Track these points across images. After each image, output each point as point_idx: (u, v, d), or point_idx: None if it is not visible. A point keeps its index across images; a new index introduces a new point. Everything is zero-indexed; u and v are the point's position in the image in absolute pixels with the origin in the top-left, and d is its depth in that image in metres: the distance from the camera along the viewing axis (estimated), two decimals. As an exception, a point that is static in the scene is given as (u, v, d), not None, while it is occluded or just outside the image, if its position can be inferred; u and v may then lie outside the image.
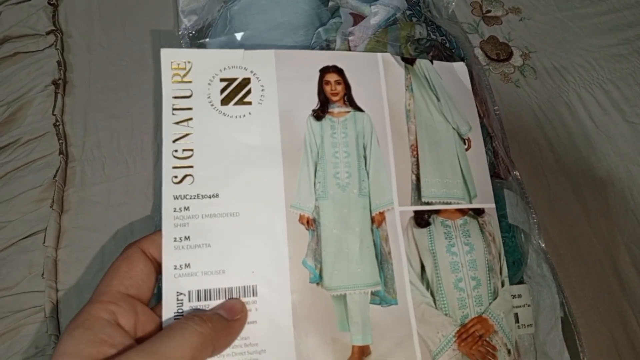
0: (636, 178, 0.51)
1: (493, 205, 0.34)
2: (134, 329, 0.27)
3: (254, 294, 0.29)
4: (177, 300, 0.28)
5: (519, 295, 0.34)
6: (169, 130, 0.31)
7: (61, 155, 0.50)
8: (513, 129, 0.53)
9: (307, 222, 0.31)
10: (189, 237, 0.29)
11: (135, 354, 0.24)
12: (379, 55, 0.35)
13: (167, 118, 0.31)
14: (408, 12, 0.39)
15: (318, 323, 0.29)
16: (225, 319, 0.27)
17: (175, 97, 0.31)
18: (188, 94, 0.31)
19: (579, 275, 0.46)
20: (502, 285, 0.33)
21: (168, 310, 0.28)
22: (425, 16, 0.40)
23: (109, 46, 0.57)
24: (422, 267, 0.31)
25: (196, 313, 0.27)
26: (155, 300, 0.30)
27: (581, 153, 0.52)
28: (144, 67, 0.55)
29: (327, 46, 0.38)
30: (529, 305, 0.34)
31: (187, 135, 0.31)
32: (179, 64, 0.32)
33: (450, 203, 0.33)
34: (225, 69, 0.32)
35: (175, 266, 0.29)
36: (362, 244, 0.31)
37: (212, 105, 0.31)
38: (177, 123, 0.31)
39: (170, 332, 0.25)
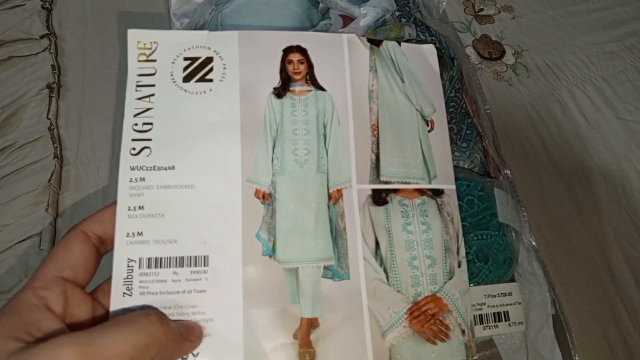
0: (628, 175, 0.51)
1: (453, 187, 0.34)
2: (64, 312, 0.26)
3: (205, 264, 0.30)
4: (127, 266, 0.29)
5: (510, 294, 0.34)
6: (131, 105, 0.32)
7: (56, 159, 0.50)
8: (506, 127, 0.53)
9: (263, 197, 0.32)
10: (143, 206, 0.30)
11: (67, 340, 0.23)
12: (344, 36, 0.35)
13: (130, 94, 0.32)
14: (397, 13, 0.39)
15: (268, 294, 0.30)
16: (181, 333, 0.27)
17: (140, 75, 0.33)
18: (152, 71, 0.33)
19: (571, 272, 0.46)
20: (459, 265, 0.33)
21: (117, 277, 0.29)
22: (414, 17, 0.40)
23: (103, 49, 0.57)
24: (377, 244, 0.32)
25: (154, 311, 0.27)
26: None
27: (573, 150, 0.53)
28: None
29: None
30: (519, 303, 0.34)
31: (148, 109, 0.32)
32: (145, 44, 0.33)
33: (409, 183, 0.33)
34: (189, 48, 0.33)
35: (128, 234, 0.29)
36: (317, 219, 0.32)
37: (174, 82, 0.33)
38: (139, 99, 0.32)
39: (117, 324, 0.25)
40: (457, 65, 0.39)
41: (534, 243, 0.39)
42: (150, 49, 0.33)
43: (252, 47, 0.34)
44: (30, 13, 0.59)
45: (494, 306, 0.34)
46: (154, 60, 0.33)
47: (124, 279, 0.29)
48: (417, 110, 0.35)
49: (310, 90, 0.34)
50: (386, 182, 0.33)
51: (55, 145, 0.51)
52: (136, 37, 0.33)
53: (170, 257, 0.29)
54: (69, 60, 0.56)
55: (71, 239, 0.28)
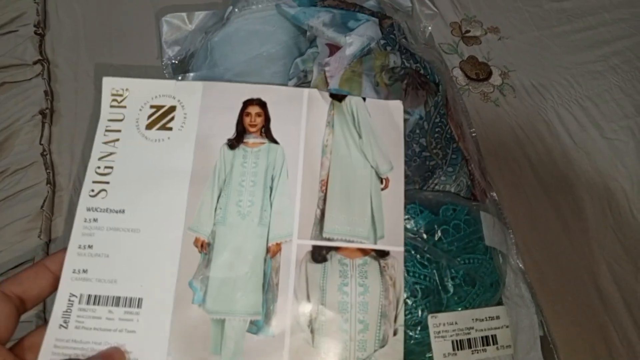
0: (615, 193, 0.52)
1: (401, 249, 0.33)
2: None
3: (139, 305, 0.31)
4: (69, 301, 0.31)
5: (498, 317, 0.35)
6: (97, 149, 0.34)
7: (49, 185, 0.50)
8: (493, 148, 0.54)
9: (202, 245, 0.32)
10: (92, 245, 0.32)
11: None
12: (305, 90, 0.36)
13: (99, 138, 0.34)
14: (382, 42, 0.40)
15: (192, 343, 0.31)
16: None
17: (110, 120, 0.35)
18: (120, 117, 0.35)
19: (560, 291, 0.47)
20: (395, 333, 0.32)
21: (57, 309, 0.31)
22: (399, 44, 0.41)
23: (96, 75, 0.57)
24: (309, 302, 0.32)
25: None
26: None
27: (560, 170, 0.53)
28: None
29: (305, 77, 0.39)
30: (507, 327, 0.35)
31: (111, 154, 0.34)
32: (117, 91, 0.35)
33: (352, 241, 0.33)
34: (156, 97, 0.35)
35: (74, 270, 0.31)
36: (251, 271, 0.32)
37: (138, 128, 0.34)
38: (105, 143, 0.34)
39: None
40: (442, 91, 0.40)
41: (521, 265, 0.39)
42: (122, 95, 0.35)
43: (214, 98, 0.35)
44: (23, 39, 0.59)
45: (481, 330, 0.34)
46: (124, 107, 0.35)
47: (63, 311, 0.31)
48: (371, 167, 0.35)
49: (264, 143, 0.34)
50: (328, 239, 0.33)
51: (48, 170, 0.51)
52: (111, 85, 0.35)
53: (108, 296, 0.31)
54: (62, 86, 0.57)
55: None
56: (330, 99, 0.36)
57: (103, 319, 0.31)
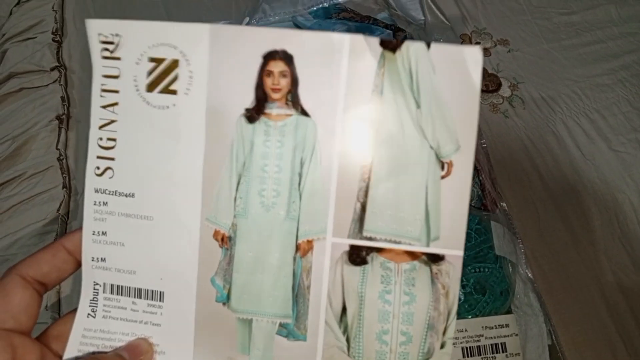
0: (622, 205, 0.52)
1: (460, 253, 0.27)
2: None
3: (161, 299, 0.29)
4: (94, 289, 0.28)
5: (507, 325, 0.35)
6: (96, 114, 0.28)
7: (65, 189, 0.51)
8: (502, 159, 0.54)
9: (222, 240, 0.28)
10: (105, 232, 0.28)
11: None
12: (346, 37, 0.26)
13: (96, 100, 0.28)
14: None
15: (218, 341, 0.28)
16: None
17: (105, 76, 0.28)
18: (116, 73, 0.27)
19: (567, 302, 0.47)
20: (442, 346, 0.27)
21: (84, 298, 0.28)
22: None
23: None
24: (344, 308, 0.28)
25: (97, 356, 0.27)
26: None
27: (569, 181, 0.54)
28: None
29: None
30: (516, 335, 0.35)
31: (112, 122, 0.28)
32: (106, 37, 0.27)
33: (399, 242, 0.27)
34: (154, 45, 0.27)
35: (93, 258, 0.28)
36: (279, 271, 0.28)
37: (137, 90, 0.27)
38: (104, 107, 0.28)
39: None
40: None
41: (530, 275, 0.40)
42: (113, 43, 0.27)
43: (226, 50, 0.27)
44: (41, 45, 0.61)
45: (491, 338, 0.35)
46: (118, 59, 0.27)
47: (90, 300, 0.28)
48: (431, 147, 0.26)
49: (290, 115, 0.27)
50: (369, 239, 0.27)
51: (64, 175, 0.52)
52: (97, 29, 0.27)
53: (130, 287, 0.28)
54: (78, 92, 0.58)
55: (9, 287, 0.27)
56: (380, 49, 0.26)
57: (128, 310, 0.29)
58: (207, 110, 0.27)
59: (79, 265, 0.29)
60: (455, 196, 0.27)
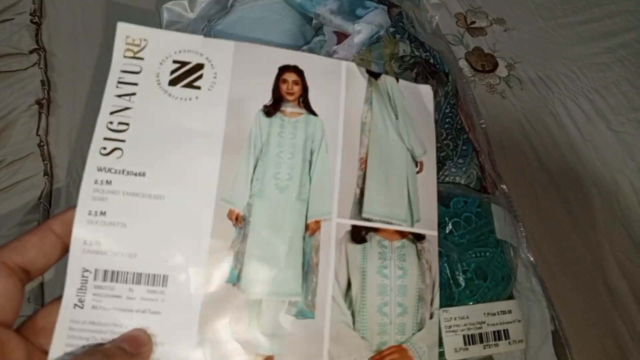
0: (622, 187, 0.51)
1: (435, 233, 0.33)
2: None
3: (164, 284, 0.28)
4: (82, 277, 0.27)
5: (509, 311, 0.34)
6: (108, 102, 0.30)
7: (46, 177, 0.49)
8: (500, 140, 0.53)
9: (237, 219, 0.29)
10: (105, 212, 0.28)
11: None
12: (344, 63, 0.34)
13: (110, 90, 0.30)
14: (391, 30, 0.39)
15: (226, 324, 0.28)
16: (128, 352, 0.26)
17: (123, 71, 0.30)
18: (137, 69, 0.30)
19: (569, 286, 0.46)
20: (431, 317, 0.31)
21: (70, 286, 0.27)
22: (409, 33, 0.40)
23: (93, 64, 0.56)
24: (349, 284, 0.30)
25: (97, 349, 0.25)
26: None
27: (568, 163, 0.53)
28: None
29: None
30: (519, 321, 0.34)
31: (126, 109, 0.30)
32: (133, 40, 0.31)
33: (391, 223, 0.32)
34: (180, 52, 0.31)
35: (85, 241, 0.27)
36: (290, 250, 0.30)
37: (159, 84, 0.30)
38: (119, 96, 0.30)
39: None
40: (452, 81, 0.39)
41: (531, 259, 0.39)
42: (138, 45, 0.31)
43: (247, 60, 0.32)
44: (19, 27, 0.58)
45: (493, 324, 0.33)
46: (141, 59, 0.31)
47: (77, 289, 0.27)
48: (407, 149, 0.34)
49: (302, 114, 0.32)
50: (368, 220, 0.32)
51: (45, 162, 0.50)
52: (125, 32, 0.31)
53: (127, 272, 0.27)
54: (59, 76, 0.56)
55: None
56: (367, 75, 0.34)
57: (123, 298, 0.27)
58: (229, 104, 0.31)
59: (66, 250, 0.27)
60: (427, 187, 0.34)
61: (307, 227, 0.30)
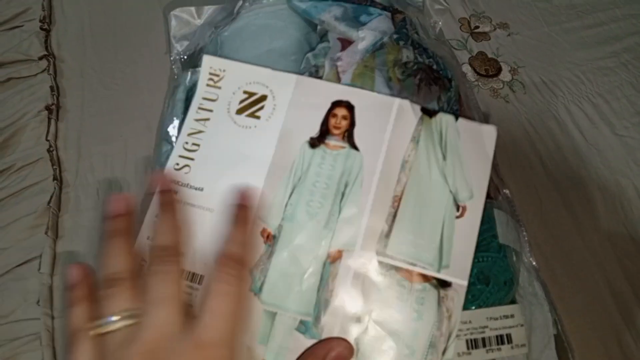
0: (626, 191, 0.51)
1: (464, 283, 0.32)
2: None
3: (199, 282, 0.32)
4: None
5: (512, 316, 0.34)
6: (188, 125, 0.35)
7: (55, 181, 0.50)
8: (503, 144, 0.53)
9: (267, 237, 0.33)
10: None
11: None
12: (397, 100, 0.35)
13: (191, 114, 0.35)
14: (395, 36, 0.40)
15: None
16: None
17: (204, 99, 0.35)
18: (214, 97, 0.35)
19: (572, 289, 0.46)
20: None
21: None
22: (412, 39, 0.41)
23: (102, 70, 0.57)
24: (359, 317, 0.31)
25: None
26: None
27: (571, 167, 0.53)
28: (137, 90, 0.55)
29: (316, 72, 0.38)
30: (522, 325, 0.34)
31: (200, 132, 0.35)
32: (215, 71, 0.36)
33: (415, 265, 0.32)
34: (250, 83, 0.35)
35: (148, 237, 0.33)
36: (309, 272, 0.32)
37: (228, 112, 0.35)
38: (197, 120, 0.35)
39: None
40: (455, 86, 0.40)
41: (534, 263, 0.39)
42: (218, 76, 0.35)
43: (304, 94, 0.35)
44: (28, 34, 0.59)
45: (496, 329, 0.34)
46: (219, 88, 0.35)
47: None
48: (450, 192, 0.33)
49: (344, 147, 0.34)
50: (391, 257, 0.32)
51: (54, 167, 0.51)
52: (209, 63, 0.36)
53: None
54: (68, 82, 0.57)
55: None
56: (420, 113, 0.35)
57: None
58: (280, 134, 0.34)
59: None
60: (466, 234, 0.33)
61: (329, 254, 0.32)
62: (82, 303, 0.28)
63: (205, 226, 0.32)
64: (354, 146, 0.34)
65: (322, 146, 0.34)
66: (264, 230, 0.33)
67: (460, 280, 0.32)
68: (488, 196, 0.39)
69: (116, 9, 0.61)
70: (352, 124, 0.34)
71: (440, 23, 0.50)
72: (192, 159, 0.34)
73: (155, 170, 0.34)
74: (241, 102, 0.35)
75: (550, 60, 0.60)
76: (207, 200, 0.33)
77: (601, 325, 0.45)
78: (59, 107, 0.55)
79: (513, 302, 0.36)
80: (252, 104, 0.35)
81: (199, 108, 0.35)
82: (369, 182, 0.33)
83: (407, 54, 0.39)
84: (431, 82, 0.38)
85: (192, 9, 0.47)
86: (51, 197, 0.49)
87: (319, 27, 0.42)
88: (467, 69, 0.58)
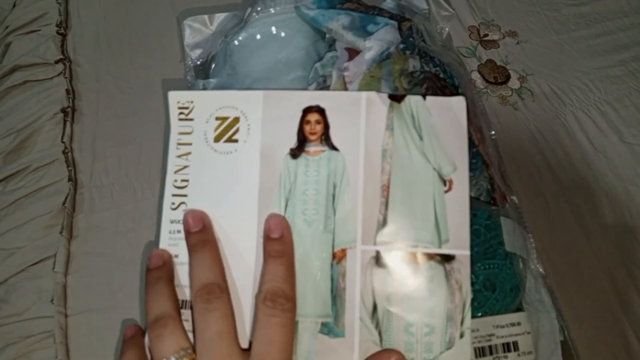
0: (634, 198, 0.52)
1: (467, 252, 0.33)
2: None
3: None
4: None
5: (519, 323, 0.35)
6: (172, 162, 0.35)
7: (70, 182, 0.51)
8: (512, 152, 0.54)
9: None
10: (177, 255, 0.34)
11: None
12: (363, 94, 0.35)
13: (172, 152, 0.35)
14: (401, 46, 0.40)
15: None
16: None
17: (180, 133, 0.35)
18: (190, 130, 0.35)
19: (580, 296, 0.46)
20: (462, 336, 0.32)
21: None
22: (418, 48, 0.41)
23: (117, 74, 0.58)
24: (375, 306, 0.32)
25: None
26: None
27: (580, 174, 0.53)
28: (151, 94, 0.56)
29: (324, 82, 0.39)
30: (528, 333, 0.35)
31: (185, 167, 0.35)
32: (183, 104, 0.36)
33: (417, 246, 0.33)
34: (220, 108, 0.35)
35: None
36: (320, 277, 0.33)
37: (206, 141, 0.35)
38: (179, 156, 0.35)
39: None
40: (462, 94, 0.40)
41: (541, 270, 0.39)
42: (188, 108, 0.35)
43: (274, 107, 0.35)
44: (45, 38, 0.60)
45: (503, 337, 0.34)
46: (191, 120, 0.35)
47: None
48: (434, 169, 0.34)
49: (324, 151, 0.34)
50: (392, 244, 0.33)
51: (69, 168, 0.52)
52: (176, 98, 0.36)
53: (184, 301, 0.33)
54: (83, 85, 0.58)
55: None
56: (388, 101, 0.35)
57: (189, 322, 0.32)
58: (261, 153, 0.34)
59: None
60: (458, 206, 0.33)
61: (334, 255, 0.33)
62: (134, 348, 0.31)
63: None
64: (333, 147, 0.34)
65: (303, 155, 0.34)
66: None
67: (462, 251, 0.33)
68: (494, 203, 0.39)
69: (131, 14, 0.62)
70: (326, 126, 0.34)
71: (447, 29, 0.50)
72: (185, 196, 0.34)
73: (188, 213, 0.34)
74: (216, 129, 0.35)
75: (558, 68, 0.60)
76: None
77: (609, 332, 0.45)
78: (75, 110, 0.56)
79: (519, 309, 0.36)
80: (227, 129, 0.35)
81: (178, 144, 0.35)
82: (355, 178, 0.34)
83: (414, 64, 0.39)
84: (438, 90, 0.38)
85: (205, 17, 0.48)
86: (66, 197, 0.50)
87: (327, 36, 0.43)
88: (476, 76, 0.59)
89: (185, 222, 0.33)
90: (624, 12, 0.65)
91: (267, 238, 0.32)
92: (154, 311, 0.31)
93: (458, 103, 0.35)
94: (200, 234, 0.33)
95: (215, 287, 0.31)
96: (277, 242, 0.32)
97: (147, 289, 0.32)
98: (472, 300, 0.34)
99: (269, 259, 0.32)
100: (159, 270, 0.32)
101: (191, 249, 0.33)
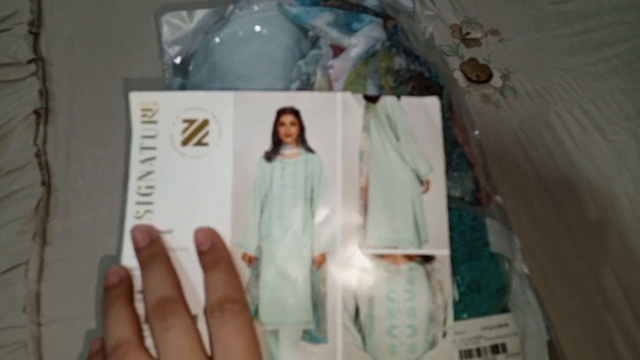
0: (617, 196, 0.52)
1: (446, 252, 0.33)
2: None
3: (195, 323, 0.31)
4: None
5: (506, 325, 0.34)
6: (135, 168, 0.33)
7: (43, 186, 0.49)
8: (494, 150, 0.53)
9: (249, 260, 0.32)
10: None
11: None
12: (339, 94, 0.34)
13: (135, 157, 0.33)
14: (387, 43, 0.39)
15: None
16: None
17: (143, 137, 0.33)
18: (154, 133, 0.33)
19: (565, 295, 0.46)
20: (444, 335, 0.32)
21: None
22: (404, 46, 0.41)
23: (92, 74, 0.57)
24: (357, 310, 0.32)
25: None
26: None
27: (563, 172, 0.53)
28: (127, 94, 0.54)
29: (308, 79, 0.38)
30: (516, 334, 0.34)
31: (150, 173, 0.33)
32: (147, 105, 0.34)
33: (397, 247, 0.32)
34: (187, 110, 0.34)
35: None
36: (299, 284, 0.32)
37: (173, 145, 0.33)
38: (142, 161, 0.33)
39: None
40: (446, 94, 0.40)
41: (526, 270, 0.39)
42: (151, 110, 0.34)
43: (246, 109, 0.34)
44: (17, 37, 0.58)
45: (491, 338, 0.33)
46: (156, 122, 0.33)
47: None
48: (412, 170, 0.34)
49: (300, 153, 0.33)
50: (373, 247, 0.33)
51: (42, 171, 0.50)
52: (138, 99, 0.34)
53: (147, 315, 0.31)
54: (57, 85, 0.56)
55: None
56: (364, 102, 0.34)
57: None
58: (234, 157, 0.33)
59: None
60: (436, 206, 0.33)
61: (313, 260, 0.32)
62: None
63: (185, 266, 0.32)
64: (309, 150, 0.33)
65: (278, 157, 0.33)
66: (244, 255, 0.32)
67: (442, 251, 0.33)
68: (479, 203, 0.39)
69: (107, 12, 0.61)
70: (301, 128, 0.34)
71: (430, 29, 0.50)
72: (150, 203, 0.33)
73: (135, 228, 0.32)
74: (183, 132, 0.33)
75: (541, 66, 0.60)
76: (180, 240, 0.32)
77: (594, 331, 0.45)
78: (48, 111, 0.54)
79: (505, 310, 0.35)
80: (195, 132, 0.33)
81: (141, 148, 0.33)
82: (333, 180, 0.33)
83: (400, 62, 0.39)
84: (423, 89, 0.38)
85: (184, 13, 0.46)
86: (39, 202, 0.48)
87: (310, 33, 0.42)
88: (458, 74, 0.59)
89: (133, 239, 0.31)
90: (605, 9, 0.65)
91: (199, 253, 0.31)
92: (112, 338, 0.29)
93: (432, 103, 0.35)
94: (149, 248, 0.31)
95: (170, 302, 0.29)
96: (209, 253, 0.31)
97: (105, 311, 0.30)
98: (458, 302, 0.34)
99: (206, 273, 0.31)
100: (116, 289, 0.31)
101: (142, 265, 0.31)
